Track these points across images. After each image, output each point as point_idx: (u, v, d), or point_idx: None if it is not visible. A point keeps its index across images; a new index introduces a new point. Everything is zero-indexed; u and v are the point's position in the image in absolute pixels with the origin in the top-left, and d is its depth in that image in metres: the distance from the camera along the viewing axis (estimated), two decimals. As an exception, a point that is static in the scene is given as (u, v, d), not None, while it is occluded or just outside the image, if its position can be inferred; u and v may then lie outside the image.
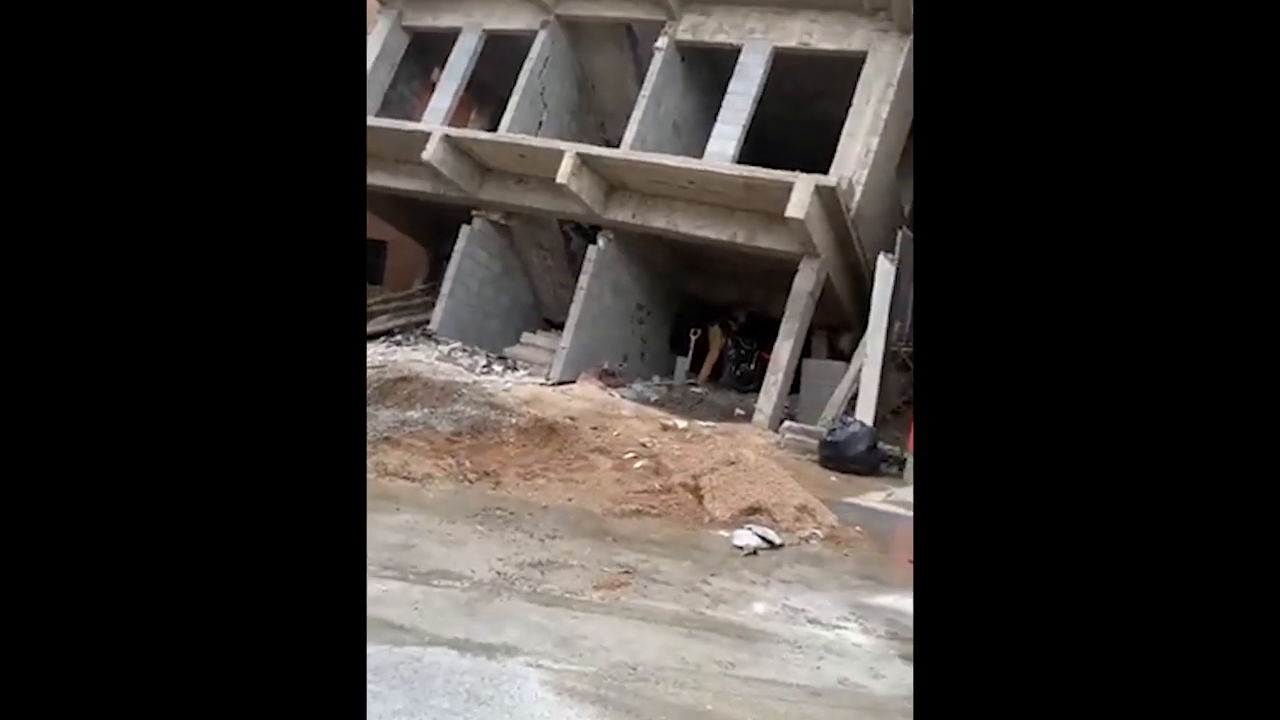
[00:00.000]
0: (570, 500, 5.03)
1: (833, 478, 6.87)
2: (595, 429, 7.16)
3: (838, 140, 9.22)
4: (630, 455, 6.46)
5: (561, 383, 9.32)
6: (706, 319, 11.57)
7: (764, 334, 11.28)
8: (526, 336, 10.98)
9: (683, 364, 11.41)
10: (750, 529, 4.64)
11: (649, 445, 6.83)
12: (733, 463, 5.89)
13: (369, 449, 5.57)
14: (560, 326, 11.56)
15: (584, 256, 11.35)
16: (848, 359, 10.32)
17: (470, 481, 5.17)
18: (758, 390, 10.49)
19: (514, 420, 6.81)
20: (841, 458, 6.92)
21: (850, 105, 9.17)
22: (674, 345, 11.87)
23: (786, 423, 7.84)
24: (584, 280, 9.77)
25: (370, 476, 5.03)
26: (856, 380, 8.27)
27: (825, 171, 8.67)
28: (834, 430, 7.17)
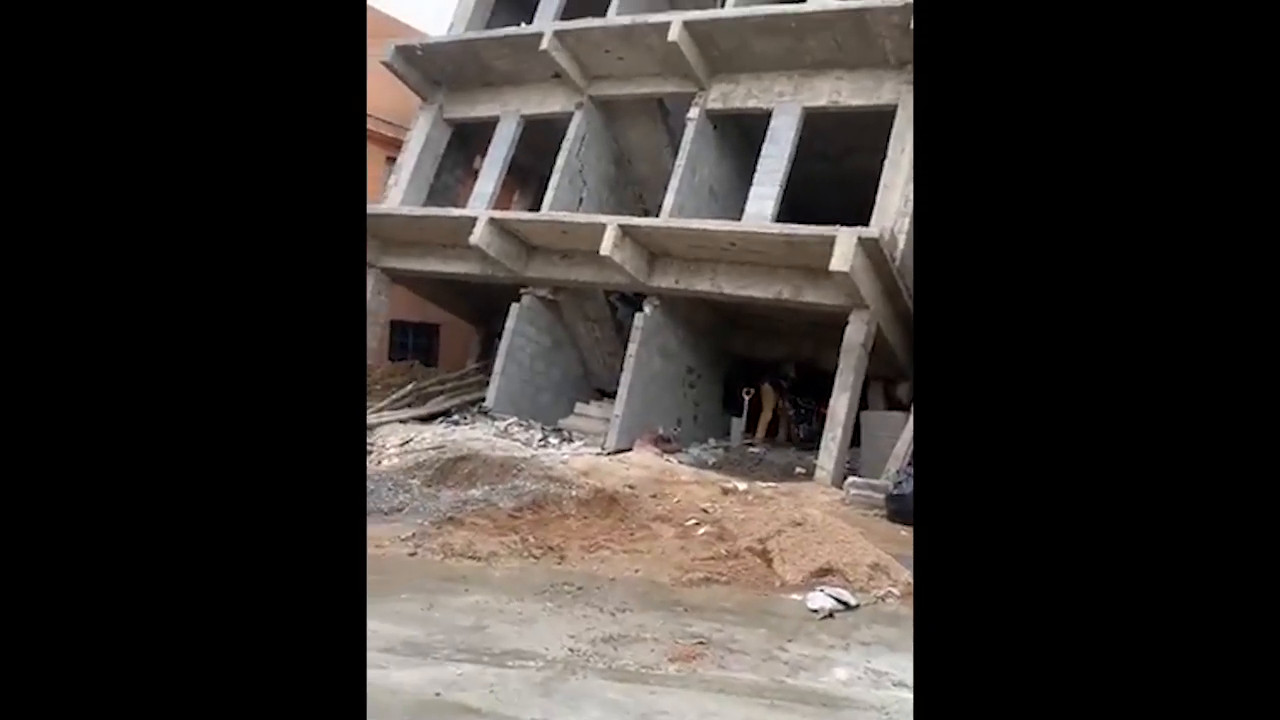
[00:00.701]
0: (637, 571, 4.97)
1: (902, 532, 6.67)
2: (655, 497, 7.12)
3: (874, 193, 9.26)
4: (693, 522, 6.39)
5: (617, 451, 9.31)
6: (757, 377, 11.52)
7: (817, 388, 11.16)
8: (580, 407, 11.06)
9: (737, 424, 11.33)
10: (823, 591, 4.52)
11: (711, 510, 6.75)
12: (799, 523, 5.78)
13: (434, 531, 5.63)
14: (612, 395, 11.63)
15: (631, 325, 11.51)
16: (906, 409, 10.14)
17: (535, 557, 5.16)
18: (817, 447, 10.38)
19: (574, 493, 6.80)
20: (909, 511, 6.72)
21: (885, 157, 9.23)
22: (726, 406, 11.82)
23: (850, 478, 7.69)
24: (632, 348, 9.86)
25: (436, 558, 5.06)
26: (917, 430, 8.09)
27: (865, 224, 8.69)
28: (899, 483, 7.00)
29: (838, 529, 5.43)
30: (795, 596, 4.57)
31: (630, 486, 7.32)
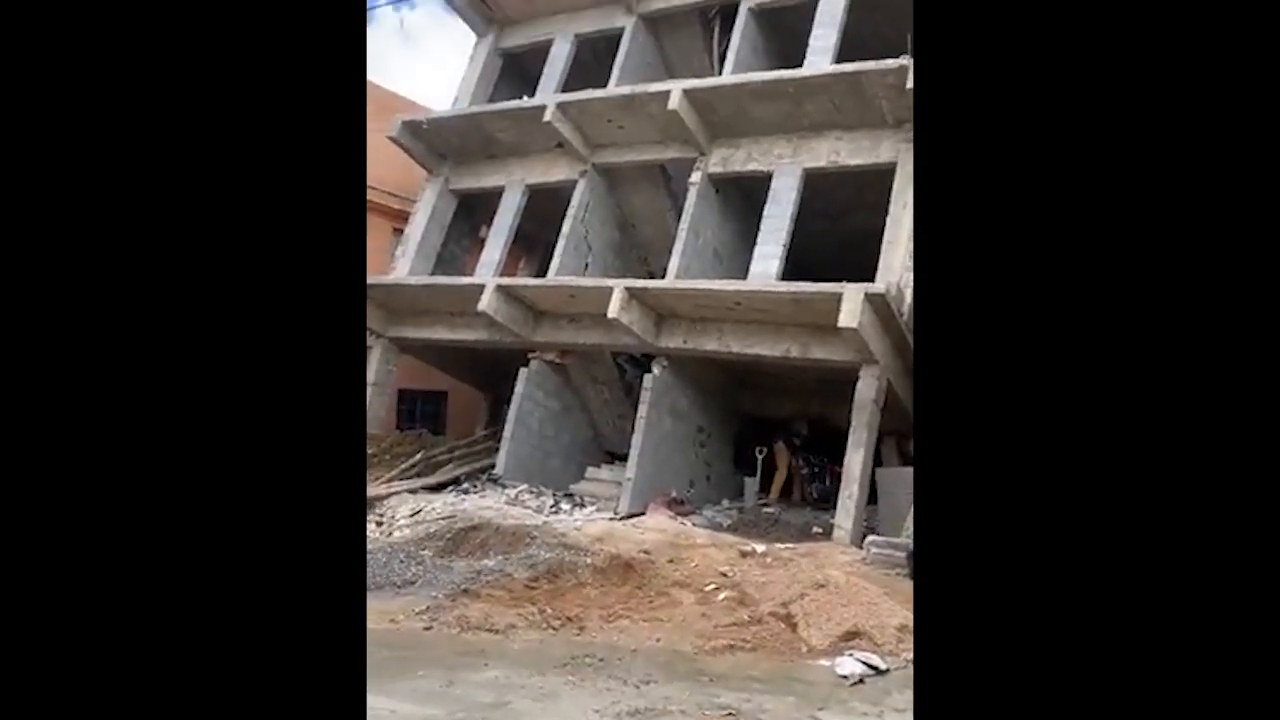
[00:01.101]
0: (658, 640, 4.84)
1: (927, 591, 6.51)
2: (672, 562, 6.99)
3: (874, 250, 9.34)
4: (712, 586, 6.26)
5: (631, 516, 9.18)
6: (767, 435, 11.43)
7: (827, 446, 11.07)
8: (591, 471, 10.95)
9: (750, 484, 11.19)
10: (852, 655, 4.39)
11: (730, 574, 6.62)
12: (821, 585, 5.65)
13: (449, 603, 5.51)
14: (622, 458, 11.53)
15: (640, 386, 11.48)
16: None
17: (554, 629, 5.03)
18: (833, 506, 10.22)
19: (589, 560, 6.69)
20: (933, 569, 6.57)
21: (886, 214, 9.34)
22: (737, 465, 11.70)
23: (870, 537, 7.54)
24: (643, 409, 9.81)
25: (453, 631, 4.94)
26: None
27: (867, 280, 8.72)
28: (920, 540, 6.85)
29: (862, 590, 5.31)
30: (823, 662, 4.43)
31: (646, 552, 7.20)
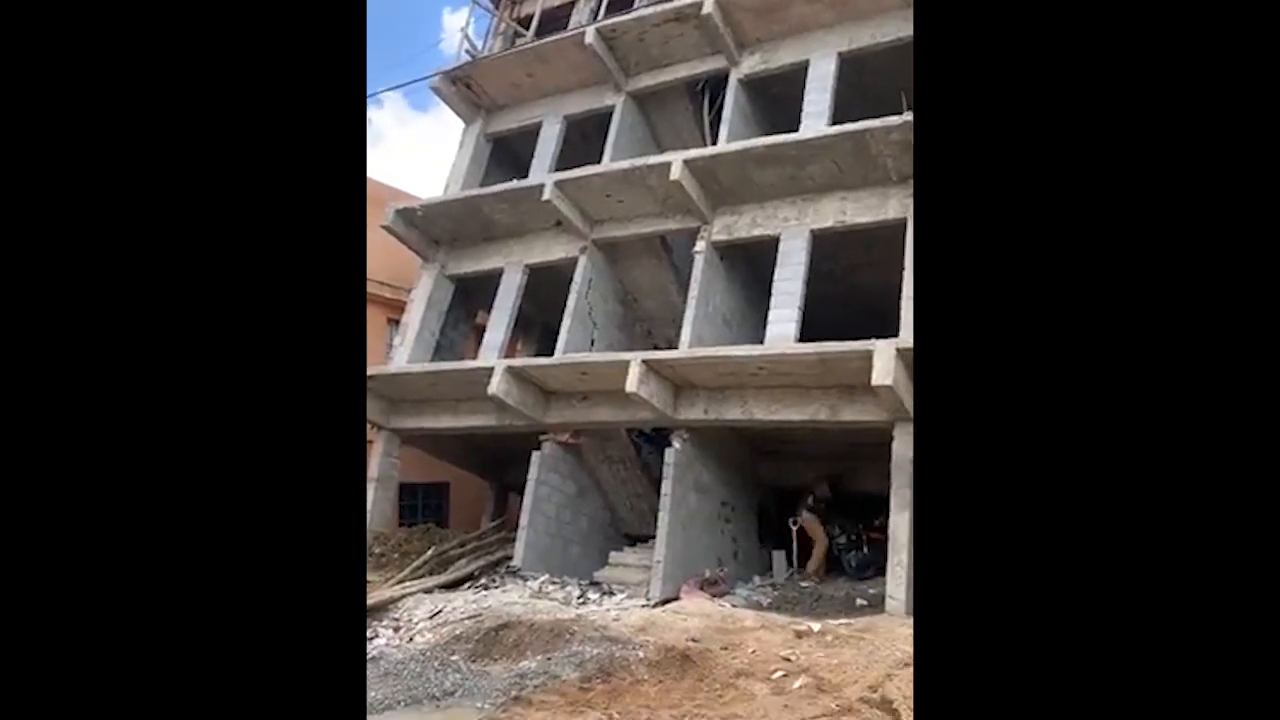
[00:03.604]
0: (748, 742, 4.33)
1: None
2: (726, 649, 6.47)
3: (886, 306, 9.15)
4: (780, 674, 5.75)
5: (665, 601, 8.64)
6: (792, 505, 10.99)
7: (853, 510, 10.65)
8: (614, 556, 10.41)
9: (779, 558, 10.71)
10: (976, 744, 3.90)
11: (793, 658, 6.12)
12: (907, 665, 5.17)
13: (503, 715, 4.96)
14: (643, 539, 11.02)
15: (655, 463, 11.05)
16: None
17: (628, 737, 4.50)
18: (874, 575, 9.74)
19: (640, 654, 6.16)
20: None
21: (903, 269, 9.18)
22: (762, 539, 11.22)
23: (932, 605, 7.07)
24: (666, 486, 9.37)
25: (517, 750, 4.39)
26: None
27: (879, 337, 8.47)
28: (992, 605, 6.41)
29: (960, 666, 4.84)
30: (944, 754, 3.94)
31: (695, 640, 6.68)
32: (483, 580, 9.93)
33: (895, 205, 9.55)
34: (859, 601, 8.85)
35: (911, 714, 4.38)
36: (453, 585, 9.99)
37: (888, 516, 9.29)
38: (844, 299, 10.85)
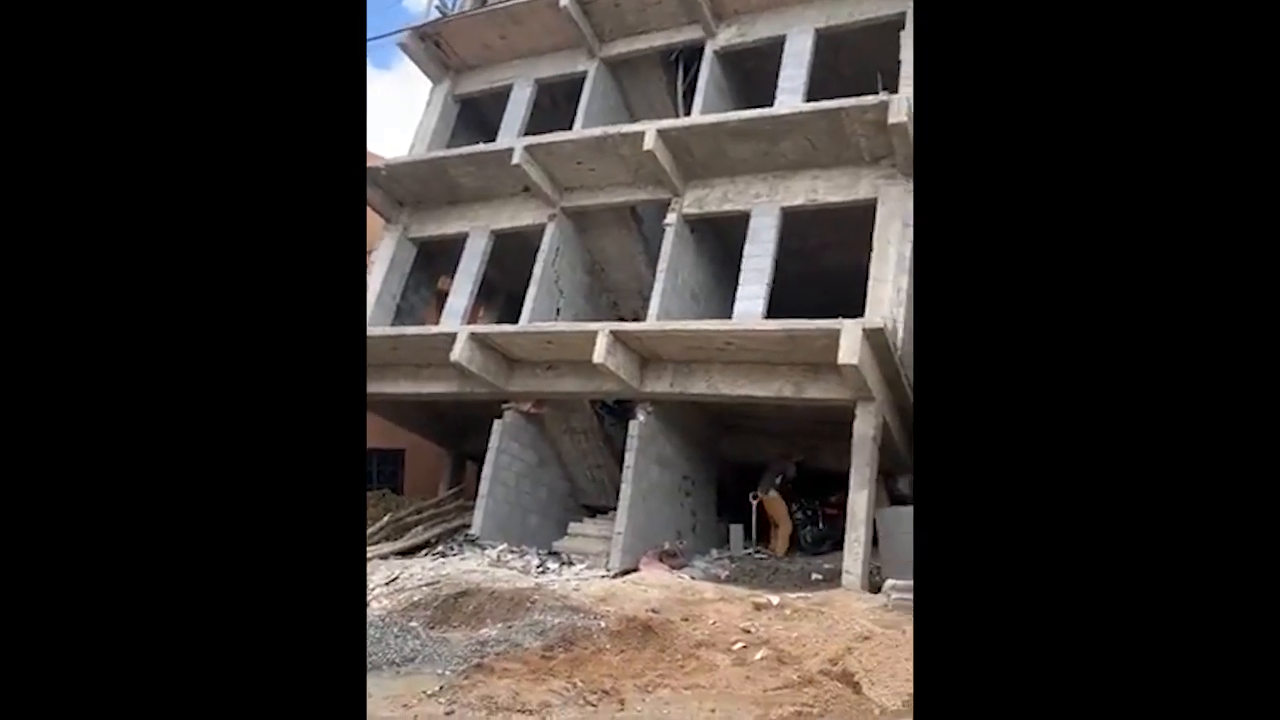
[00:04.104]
0: (713, 712, 4.35)
1: (965, 637, 6.19)
2: (687, 620, 6.51)
3: (852, 287, 9.21)
4: (741, 645, 5.80)
5: (625, 572, 8.67)
6: (753, 481, 11.08)
7: (814, 488, 10.78)
8: (574, 527, 10.40)
9: (737, 532, 10.79)
10: (936, 716, 3.98)
11: (753, 630, 6.19)
12: (866, 638, 5.28)
13: (464, 682, 4.92)
14: (601, 511, 11.03)
15: (618, 436, 11.03)
16: (909, 501, 9.80)
17: (593, 705, 4.50)
18: (829, 550, 9.89)
19: (602, 624, 6.17)
20: (965, 612, 6.25)
21: (871, 251, 9.24)
22: (720, 513, 11.30)
23: (890, 581, 7.21)
24: (630, 458, 9.36)
25: (479, 714, 4.36)
26: (948, 523, 7.72)
27: (847, 318, 8.51)
28: (948, 582, 6.53)
29: (919, 641, 4.93)
30: (905, 725, 4.02)
31: (655, 611, 6.71)
32: (440, 548, 9.85)
33: (866, 186, 9.58)
34: (814, 576, 8.98)
35: (871, 685, 4.46)
36: (409, 552, 9.88)
37: (844, 493, 9.44)
38: (810, 279, 10.88)
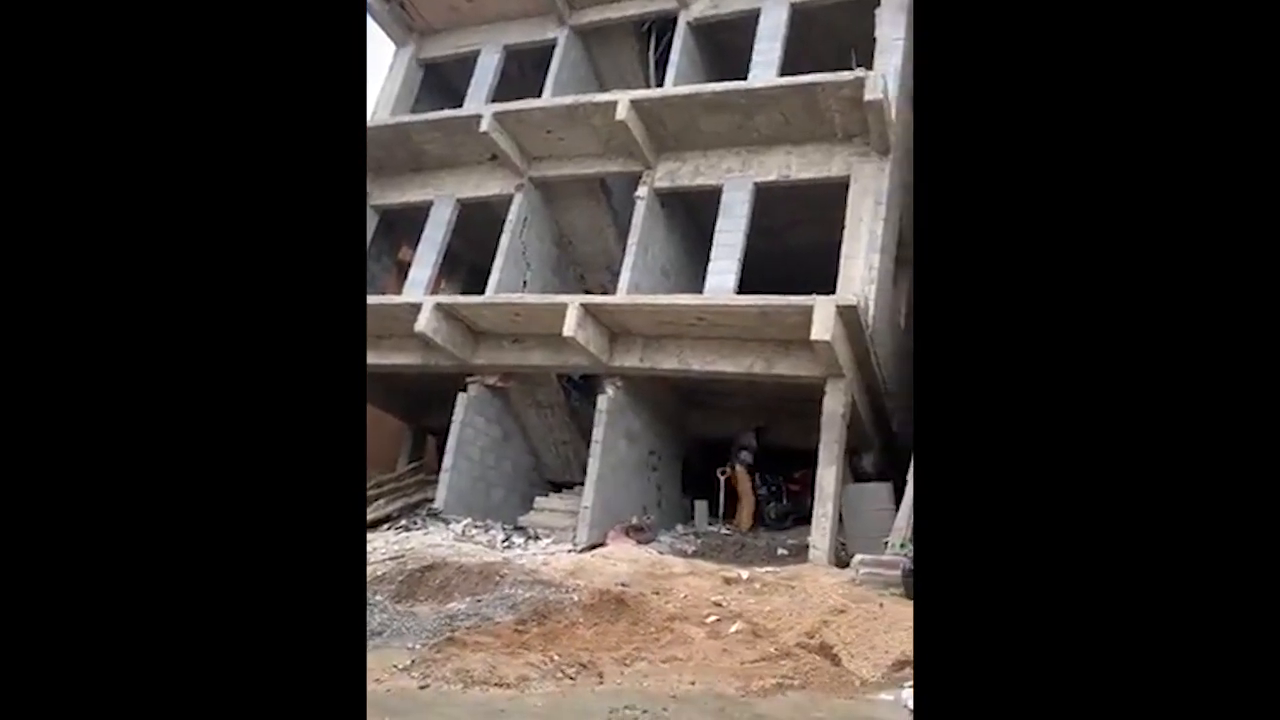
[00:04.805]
0: (693, 684, 4.31)
1: (934, 610, 6.25)
2: (658, 593, 6.48)
3: (822, 265, 9.21)
4: (714, 618, 5.79)
5: (592, 547, 8.61)
6: (720, 456, 11.08)
7: (778, 464, 10.82)
8: (540, 501, 10.30)
9: (701, 507, 10.80)
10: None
11: (724, 603, 6.19)
12: (841, 611, 5.29)
13: (437, 655, 4.80)
14: (567, 487, 10.93)
15: (584, 410, 10.92)
16: (872, 478, 9.90)
17: (570, 678, 4.42)
18: (793, 525, 9.95)
19: (574, 597, 6.10)
20: (934, 586, 6.30)
21: (842, 228, 9.23)
22: (685, 489, 11.30)
23: (858, 556, 7.26)
24: (598, 432, 9.27)
25: (456, 688, 4.25)
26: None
27: (818, 294, 8.50)
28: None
29: (895, 613, 4.96)
30: (885, 696, 4.03)
31: (624, 585, 6.66)
32: (403, 521, 9.67)
33: (839, 163, 9.55)
34: (780, 551, 9.03)
35: (851, 657, 4.47)
36: (370, 526, 9.68)
37: (808, 470, 9.48)
38: (777, 258, 10.84)
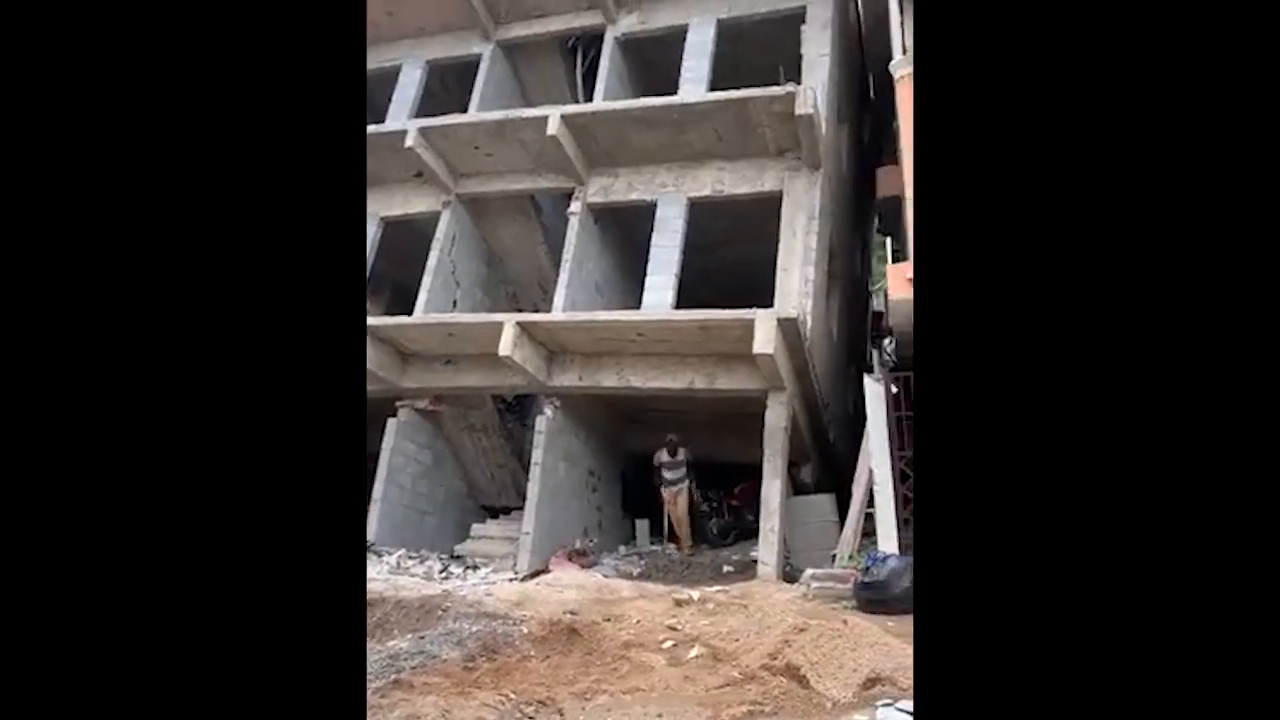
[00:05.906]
0: (660, 717, 4.12)
1: (889, 622, 6.21)
2: (609, 620, 6.25)
3: (756, 280, 9.23)
4: (670, 643, 5.60)
5: (535, 574, 8.31)
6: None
7: (718, 480, 10.75)
8: (477, 528, 9.94)
9: (643, 526, 10.63)
10: (890, 705, 3.91)
11: (679, 627, 6.01)
12: (802, 630, 5.18)
13: (383, 701, 4.46)
14: (504, 512, 10.60)
15: (519, 433, 10.63)
16: (811, 490, 9.94)
17: (530, 717, 4.17)
18: (734, 541, 9.88)
19: (523, 629, 5.81)
20: (887, 599, 6.31)
21: (778, 243, 9.27)
22: (625, 508, 11.10)
23: (809, 570, 7.20)
24: (537, 455, 9.00)
25: (407, 739, 3.94)
26: (862, 511, 7.82)
27: (751, 309, 8.45)
28: (869, 569, 6.59)
29: (859, 630, 4.88)
30: (859, 717, 3.92)
31: (573, 612, 6.42)
32: (331, 556, 9.16)
33: (772, 177, 9.61)
34: (726, 569, 8.93)
35: (819, 678, 4.35)
36: (295, 562, 9.15)
37: (748, 484, 9.43)
38: (710, 273, 10.83)
